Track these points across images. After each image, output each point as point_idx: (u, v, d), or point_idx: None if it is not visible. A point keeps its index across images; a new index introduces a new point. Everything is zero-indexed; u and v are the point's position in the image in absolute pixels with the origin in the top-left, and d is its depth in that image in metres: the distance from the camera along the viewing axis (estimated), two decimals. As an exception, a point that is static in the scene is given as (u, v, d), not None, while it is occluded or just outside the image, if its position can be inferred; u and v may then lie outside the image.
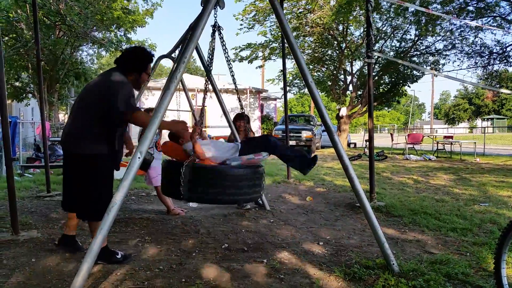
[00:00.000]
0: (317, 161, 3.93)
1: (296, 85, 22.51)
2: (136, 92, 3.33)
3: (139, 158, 2.57)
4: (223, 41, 3.96)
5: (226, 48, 3.99)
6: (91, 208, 3.07)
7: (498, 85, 17.50)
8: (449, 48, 17.25)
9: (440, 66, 18.32)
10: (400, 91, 19.64)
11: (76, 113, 3.13)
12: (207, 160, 3.63)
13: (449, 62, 20.72)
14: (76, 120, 3.12)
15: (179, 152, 3.82)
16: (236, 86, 4.27)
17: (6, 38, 14.51)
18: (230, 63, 4.08)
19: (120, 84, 3.04)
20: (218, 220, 4.86)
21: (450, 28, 16.23)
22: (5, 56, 13.70)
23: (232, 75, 4.18)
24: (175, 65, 4.17)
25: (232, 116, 5.60)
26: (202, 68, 4.99)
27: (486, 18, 14.92)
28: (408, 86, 19.65)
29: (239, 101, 4.47)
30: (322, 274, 3.07)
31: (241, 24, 19.28)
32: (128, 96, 3.01)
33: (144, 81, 3.36)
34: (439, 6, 14.90)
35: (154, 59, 3.45)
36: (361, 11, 16.09)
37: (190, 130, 3.77)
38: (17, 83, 18.01)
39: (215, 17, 3.71)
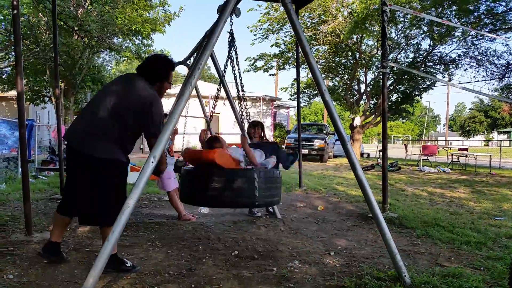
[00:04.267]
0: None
1: (306, 94, 22.53)
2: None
3: (152, 162, 2.59)
4: (234, 48, 3.97)
5: (237, 56, 3.98)
6: (106, 213, 2.93)
7: None
8: (463, 58, 17.10)
9: (456, 77, 18.21)
10: (414, 101, 19.52)
11: (97, 112, 2.99)
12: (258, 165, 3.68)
13: (465, 71, 20.28)
14: (96, 119, 2.97)
15: (229, 160, 3.75)
16: (243, 94, 4.23)
17: (26, 42, 14.81)
18: (239, 70, 4.05)
19: (157, 104, 3.05)
20: (228, 226, 4.86)
21: (464, 38, 16.10)
22: (24, 60, 14.00)
23: (240, 83, 4.13)
24: (190, 71, 4.22)
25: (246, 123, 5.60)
26: (216, 75, 5.03)
27: (501, 32, 14.77)
28: (420, 97, 19.51)
29: (246, 109, 4.40)
30: (333, 284, 3.04)
31: (254, 35, 19.41)
32: (161, 119, 3.05)
33: (167, 89, 3.33)
34: (453, 19, 14.81)
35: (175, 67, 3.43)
36: (375, 22, 16.08)
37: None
38: (34, 87, 18.30)
39: (231, 25, 3.75)
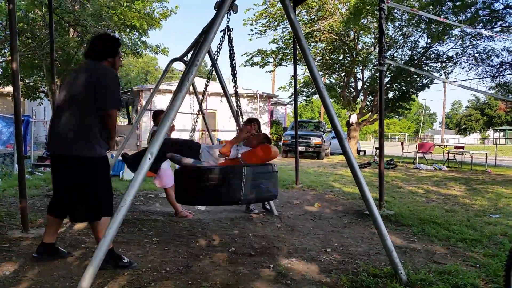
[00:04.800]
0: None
1: (303, 93, 22.52)
2: None
3: (149, 159, 2.58)
4: (231, 44, 3.99)
5: (234, 53, 4.00)
6: (90, 208, 3.00)
7: (510, 96, 17.28)
8: (460, 56, 17.14)
9: (453, 74, 18.29)
10: (410, 98, 19.54)
11: (67, 112, 2.99)
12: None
13: (463, 69, 20.40)
14: (68, 120, 2.97)
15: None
16: (237, 91, 4.26)
17: (23, 37, 14.72)
18: (235, 68, 4.07)
19: (110, 75, 3.03)
20: (225, 223, 4.86)
21: (461, 35, 16.12)
22: (20, 55, 13.91)
23: (235, 80, 4.16)
24: (187, 68, 4.20)
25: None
26: (214, 72, 5.02)
27: (498, 28, 14.80)
28: (416, 94, 19.53)
29: (237, 105, 4.42)
30: (329, 281, 3.05)
31: (251, 30, 19.37)
32: (117, 94, 3.02)
33: (119, 66, 3.33)
34: (450, 16, 14.82)
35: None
36: (372, 19, 16.07)
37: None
38: (30, 82, 18.21)
39: (228, 21, 3.75)
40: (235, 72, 4.06)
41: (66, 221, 4.57)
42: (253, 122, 5.49)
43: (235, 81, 4.10)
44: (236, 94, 4.22)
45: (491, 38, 15.54)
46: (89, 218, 3.07)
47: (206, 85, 4.49)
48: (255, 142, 4.08)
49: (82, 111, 2.96)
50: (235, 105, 4.36)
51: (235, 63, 4.03)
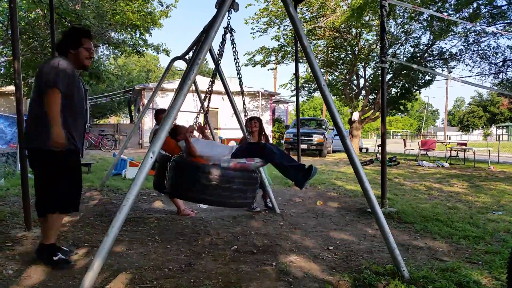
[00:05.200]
0: (315, 173, 3.87)
1: (306, 88, 22.51)
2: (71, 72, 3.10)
3: (151, 158, 2.59)
4: (234, 43, 3.99)
5: (236, 51, 4.01)
6: (39, 203, 3.09)
7: None
8: (463, 53, 17.08)
9: (457, 71, 18.25)
10: (412, 96, 19.49)
11: (29, 109, 3.08)
12: (199, 158, 3.70)
13: (466, 66, 20.34)
14: (30, 116, 3.06)
15: (175, 148, 3.91)
16: (242, 89, 4.26)
17: (25, 37, 14.74)
18: (239, 66, 4.08)
19: (48, 63, 3.00)
20: (227, 221, 4.86)
21: (464, 32, 16.06)
22: (22, 55, 13.96)
23: (239, 77, 4.17)
24: (189, 66, 4.21)
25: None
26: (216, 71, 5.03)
27: (500, 25, 14.74)
28: (419, 92, 19.48)
29: (244, 104, 4.46)
30: (332, 279, 3.05)
31: (252, 29, 19.33)
32: (54, 73, 2.92)
33: (86, 57, 3.22)
34: (453, 12, 14.77)
35: (87, 35, 3.28)
36: (373, 16, 16.03)
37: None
38: (32, 82, 18.26)
39: (229, 19, 3.75)
40: (239, 68, 4.07)
41: (68, 220, 4.60)
42: (254, 120, 5.52)
43: (240, 79, 4.11)
44: (242, 92, 4.24)
45: (495, 36, 15.48)
46: (39, 212, 3.13)
47: (211, 85, 4.46)
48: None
49: (34, 106, 3.02)
50: (240, 103, 4.39)
51: (238, 61, 4.03)
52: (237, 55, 4.06)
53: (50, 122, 2.87)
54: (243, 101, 4.37)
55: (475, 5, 14.03)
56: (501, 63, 16.41)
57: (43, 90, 2.91)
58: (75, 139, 3.11)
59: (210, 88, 4.22)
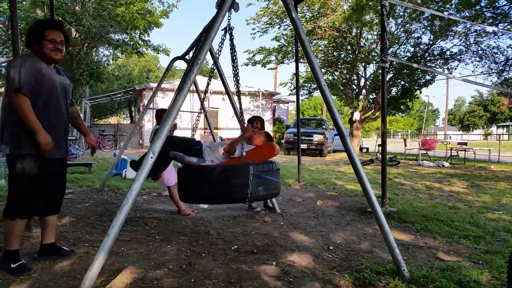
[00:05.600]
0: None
1: (306, 88, 22.52)
2: (44, 68, 3.00)
3: (151, 158, 2.59)
4: (233, 44, 3.98)
5: (235, 51, 3.99)
6: (8, 204, 2.99)
7: None
8: (464, 52, 17.07)
9: (458, 70, 18.25)
10: (413, 96, 19.49)
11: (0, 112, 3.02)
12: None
13: (466, 65, 20.33)
14: (1, 119, 2.99)
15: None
16: (239, 92, 4.24)
17: (24, 37, 14.79)
18: (237, 67, 4.06)
19: (12, 63, 2.89)
20: (228, 221, 4.87)
21: (465, 31, 16.06)
22: (22, 55, 13.95)
23: (237, 79, 4.14)
24: (189, 66, 4.21)
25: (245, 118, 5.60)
26: (215, 71, 5.01)
27: (502, 24, 14.73)
28: (420, 91, 19.47)
29: (239, 105, 4.42)
30: (332, 278, 3.05)
31: (253, 29, 19.34)
32: (13, 75, 2.81)
33: (51, 49, 3.02)
34: (454, 12, 14.76)
35: (52, 25, 3.12)
36: (374, 15, 16.02)
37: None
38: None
39: (229, 19, 3.74)
40: (237, 71, 4.05)
41: (68, 220, 4.60)
42: (256, 120, 5.52)
43: (237, 80, 4.09)
44: (239, 93, 4.21)
45: (495, 36, 15.47)
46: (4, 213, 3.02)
47: (208, 84, 4.48)
48: (258, 141, 4.10)
49: (4, 109, 2.95)
50: (237, 104, 4.36)
51: (237, 62, 4.02)
52: (236, 56, 4.04)
53: (31, 129, 2.81)
54: (239, 103, 4.34)
55: (477, 7, 14.02)
56: (503, 62, 16.40)
57: (10, 96, 2.83)
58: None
59: (207, 88, 4.22)
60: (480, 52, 16.64)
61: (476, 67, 17.00)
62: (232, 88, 5.06)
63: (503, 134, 40.89)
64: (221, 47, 4.03)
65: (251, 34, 19.14)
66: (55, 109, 3.05)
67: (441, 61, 18.07)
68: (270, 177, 3.61)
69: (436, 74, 17.93)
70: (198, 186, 3.56)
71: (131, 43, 18.45)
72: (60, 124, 3.11)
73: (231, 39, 3.95)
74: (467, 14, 14.54)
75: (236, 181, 3.44)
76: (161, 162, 3.99)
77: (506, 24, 14.65)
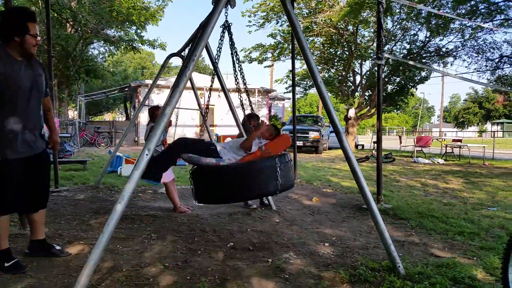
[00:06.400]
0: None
1: (301, 85, 22.51)
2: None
3: (146, 155, 2.58)
4: (232, 40, 3.97)
5: (235, 48, 3.99)
6: None
7: (510, 88, 17.28)
8: (459, 49, 17.11)
9: (453, 67, 18.23)
10: (408, 92, 19.52)
11: None
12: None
13: (462, 62, 20.38)
14: None
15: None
16: (246, 86, 4.24)
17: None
18: (240, 63, 4.06)
19: None
20: (224, 219, 4.87)
21: (461, 29, 16.08)
22: None
23: (242, 76, 4.14)
24: (185, 63, 4.19)
25: (240, 115, 5.60)
26: (211, 67, 5.01)
27: (498, 21, 14.77)
28: (415, 88, 19.51)
29: (249, 101, 4.45)
30: (327, 275, 3.06)
31: (249, 21, 19.25)
32: None
33: (32, 44, 2.89)
34: (450, 10, 14.79)
35: (32, 17, 2.92)
36: (371, 12, 16.02)
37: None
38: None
39: (226, 15, 3.73)
40: (240, 66, 4.04)
41: (63, 217, 4.58)
42: (254, 117, 5.55)
43: (242, 76, 4.09)
44: (246, 90, 4.21)
45: (491, 32, 15.52)
46: None
47: (212, 82, 4.43)
48: (268, 134, 4.12)
49: None
50: (236, 100, 4.36)
51: (238, 57, 4.01)
52: (236, 52, 4.02)
53: None
54: (248, 96, 4.35)
55: (472, 3, 14.05)
56: (497, 59, 16.45)
57: None
58: (7, 142, 2.85)
59: (210, 87, 4.19)
60: (477, 47, 16.67)
61: (469, 64, 16.96)
62: (228, 85, 5.04)
63: (497, 131, 41.16)
64: (221, 47, 3.98)
65: (247, 26, 18.96)
66: (23, 107, 2.90)
67: (437, 57, 18.09)
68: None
69: (432, 71, 17.94)
70: (227, 185, 3.51)
71: (127, 39, 18.38)
72: (29, 120, 2.96)
73: (231, 37, 3.93)
74: (462, 11, 14.57)
75: (266, 175, 3.47)
76: (166, 165, 3.98)
77: (501, 19, 14.69)
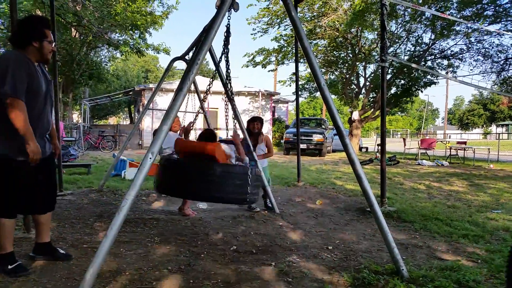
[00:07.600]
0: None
1: (307, 89, 22.53)
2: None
3: (150, 158, 2.59)
4: (228, 40, 3.95)
5: (228, 48, 3.96)
6: None
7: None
8: (464, 51, 17.03)
9: (456, 70, 18.09)
10: (413, 95, 19.47)
11: None
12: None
13: (466, 65, 20.24)
14: None
15: (223, 155, 3.81)
16: (231, 91, 4.25)
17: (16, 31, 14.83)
18: (228, 62, 4.04)
19: (3, 62, 2.74)
20: (227, 222, 4.87)
21: (466, 32, 16.03)
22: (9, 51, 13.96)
23: (229, 73, 4.12)
24: (188, 67, 4.20)
25: (244, 118, 5.62)
26: (216, 71, 5.02)
27: (504, 23, 14.72)
28: (421, 91, 19.47)
29: (232, 104, 4.45)
30: (331, 278, 3.05)
31: (253, 29, 19.35)
32: (3, 75, 2.68)
33: (49, 51, 2.98)
34: (455, 12, 14.75)
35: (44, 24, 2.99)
36: (374, 15, 16.02)
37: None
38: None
39: (229, 19, 3.73)
40: (228, 61, 4.02)
41: (66, 221, 4.60)
42: (257, 121, 5.56)
43: (229, 81, 4.10)
44: (230, 98, 4.24)
45: (498, 35, 15.44)
46: None
47: (209, 85, 4.43)
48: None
49: None
50: (240, 104, 4.38)
51: (228, 65, 4.01)
52: (227, 52, 3.99)
53: (24, 136, 2.73)
54: (233, 105, 4.37)
55: (479, 6, 14.00)
56: (503, 62, 16.39)
57: (2, 100, 2.70)
58: (21, 145, 2.82)
59: (208, 88, 4.21)
60: (483, 50, 16.60)
61: (474, 67, 16.90)
62: (232, 88, 5.03)
63: (502, 133, 40.92)
64: (226, 49, 3.96)
65: (252, 34, 19.10)
66: (39, 111, 2.96)
67: (441, 61, 18.03)
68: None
69: (436, 76, 17.83)
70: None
71: (131, 43, 18.47)
72: (43, 125, 3.02)
73: (227, 36, 3.92)
74: (468, 13, 14.52)
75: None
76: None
77: (508, 22, 14.63)
